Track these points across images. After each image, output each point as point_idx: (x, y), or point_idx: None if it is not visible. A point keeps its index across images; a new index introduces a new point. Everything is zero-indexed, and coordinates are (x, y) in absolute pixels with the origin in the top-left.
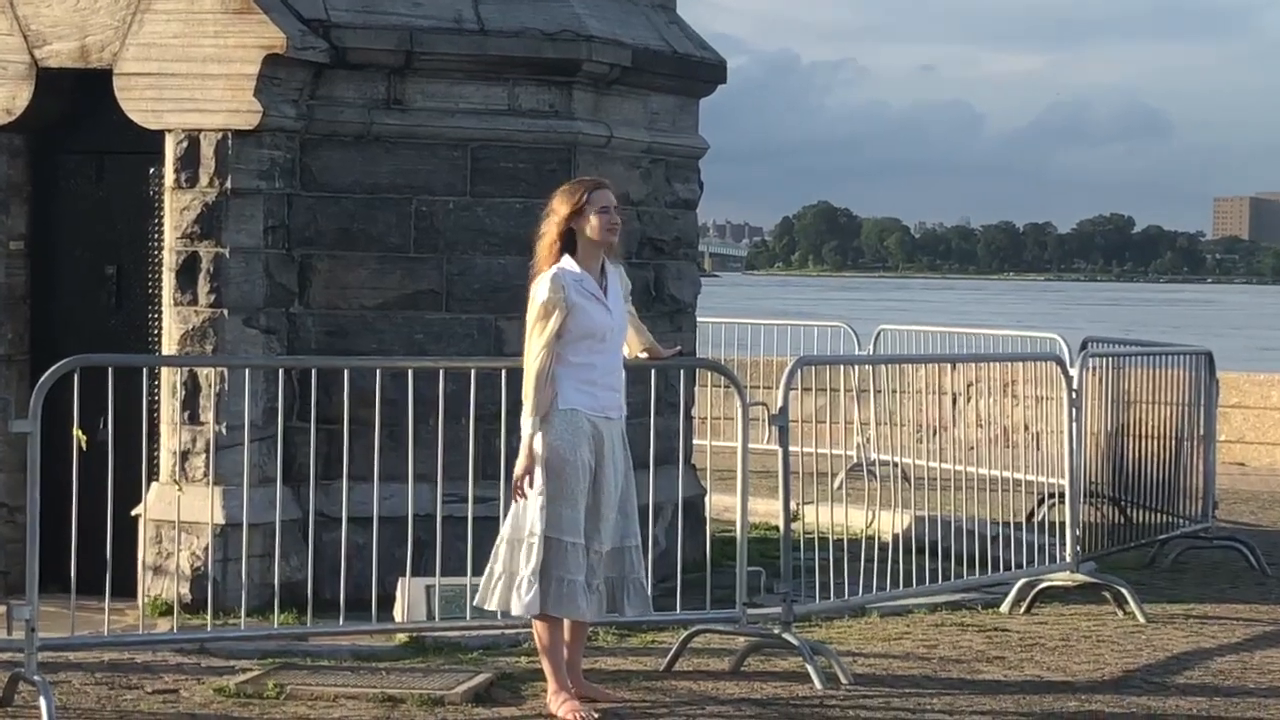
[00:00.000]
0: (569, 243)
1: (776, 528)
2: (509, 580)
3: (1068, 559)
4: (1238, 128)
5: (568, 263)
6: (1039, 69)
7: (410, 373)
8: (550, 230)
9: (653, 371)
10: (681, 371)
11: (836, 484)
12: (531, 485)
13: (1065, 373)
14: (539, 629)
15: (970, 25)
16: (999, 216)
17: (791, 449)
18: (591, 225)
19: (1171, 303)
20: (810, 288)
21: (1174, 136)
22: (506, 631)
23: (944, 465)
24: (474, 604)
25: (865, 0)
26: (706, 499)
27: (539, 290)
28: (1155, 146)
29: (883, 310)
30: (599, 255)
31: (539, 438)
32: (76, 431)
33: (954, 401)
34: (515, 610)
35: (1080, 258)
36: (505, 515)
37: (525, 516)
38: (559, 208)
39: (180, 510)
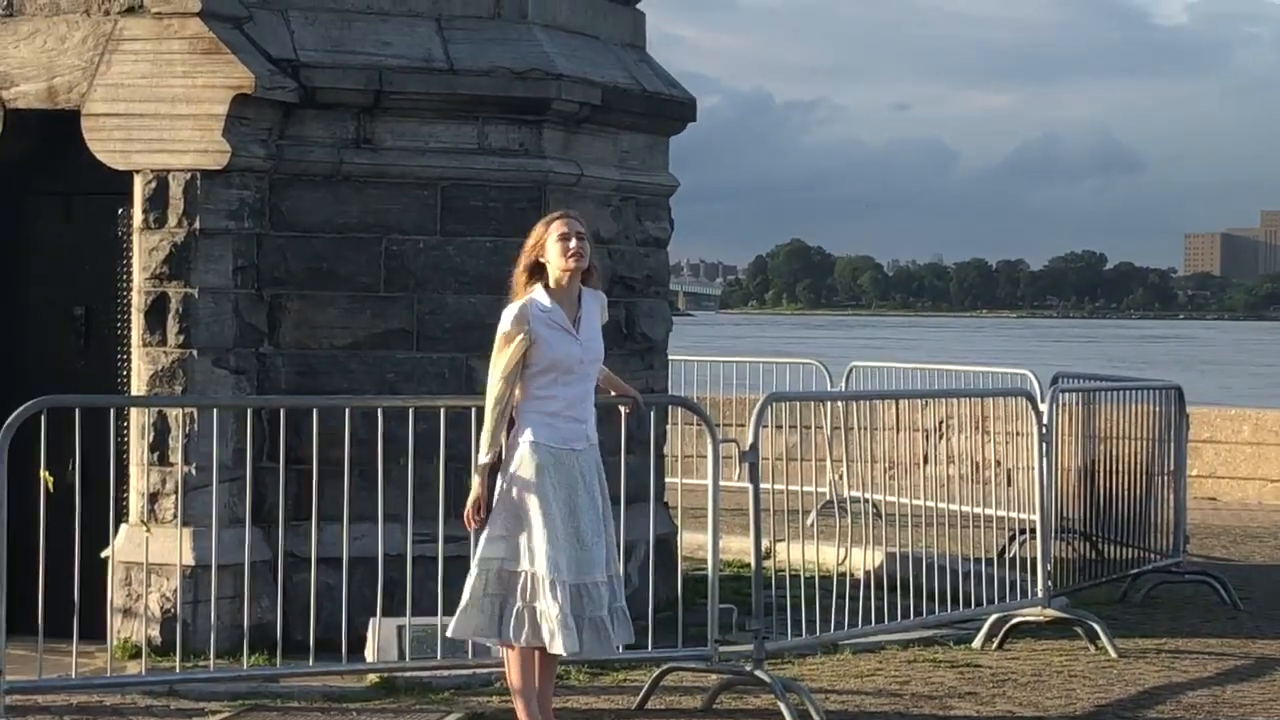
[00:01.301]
0: (539, 276)
1: (749, 565)
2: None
3: (1039, 594)
4: (1209, 164)
5: (538, 294)
6: (1011, 106)
7: (380, 412)
8: (520, 264)
9: (623, 410)
10: (653, 409)
11: (809, 521)
12: (481, 515)
13: (1035, 408)
14: (510, 661)
15: (943, 63)
16: (972, 254)
17: (763, 486)
18: (554, 254)
19: (1146, 339)
20: (783, 325)
21: (1145, 173)
22: (478, 671)
23: (916, 501)
24: (448, 636)
25: (839, 40)
26: (678, 537)
27: (501, 322)
28: (1127, 183)
29: (858, 348)
30: (571, 285)
31: (502, 470)
32: (43, 474)
33: (926, 438)
34: (461, 635)
35: (1053, 294)
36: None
37: (488, 547)
38: (527, 241)
39: (149, 552)
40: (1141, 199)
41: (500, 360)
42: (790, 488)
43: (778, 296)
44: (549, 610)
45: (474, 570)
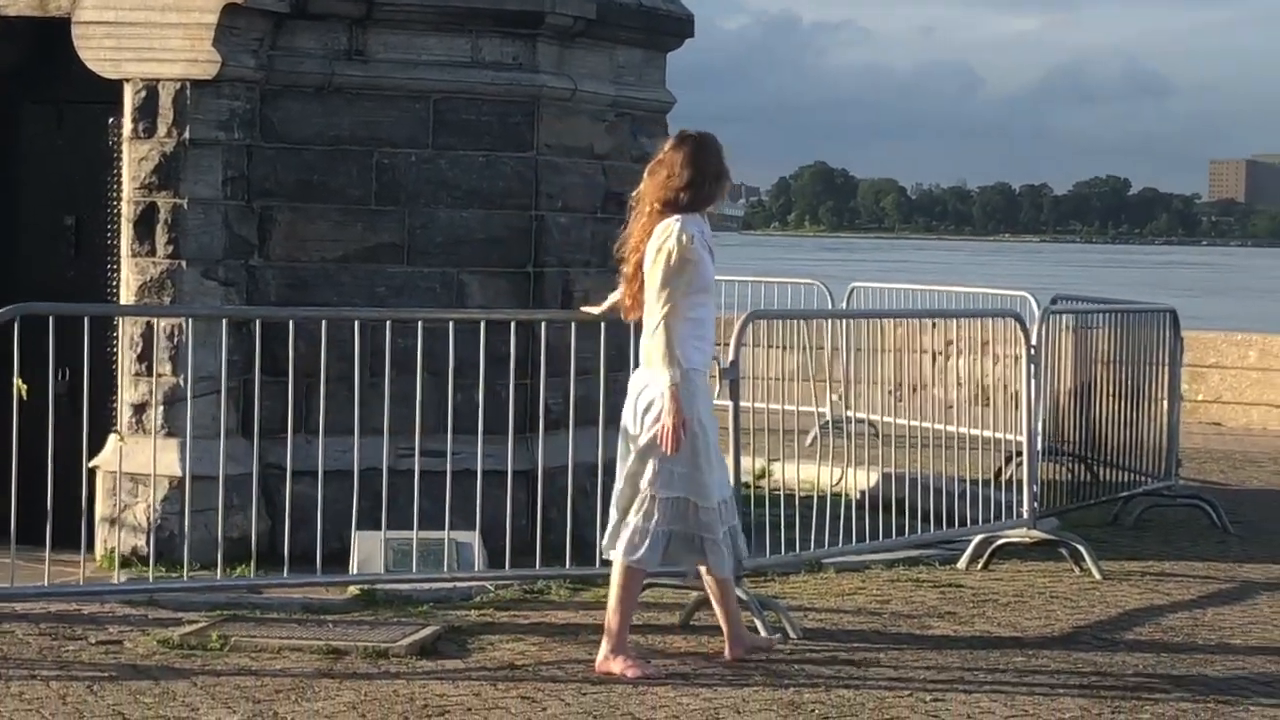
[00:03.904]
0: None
1: (745, 484)
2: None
3: (1025, 516)
4: (1236, 91)
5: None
6: (1038, 30)
7: (371, 326)
8: (674, 184)
9: (631, 328)
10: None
11: (808, 441)
12: (680, 440)
13: (1024, 330)
14: (625, 581)
15: None
16: (996, 178)
17: (766, 406)
18: None
19: (1172, 265)
20: (806, 248)
21: (1172, 99)
22: (459, 585)
23: (919, 423)
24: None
25: None
26: None
27: (671, 240)
28: (1153, 109)
29: (885, 270)
30: None
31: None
32: (17, 381)
33: (932, 360)
34: (631, 559)
35: (1076, 219)
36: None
37: (658, 470)
38: (676, 158)
39: (137, 463)
40: (1167, 125)
41: (680, 281)
42: (789, 408)
43: (800, 219)
44: (713, 535)
45: (656, 500)
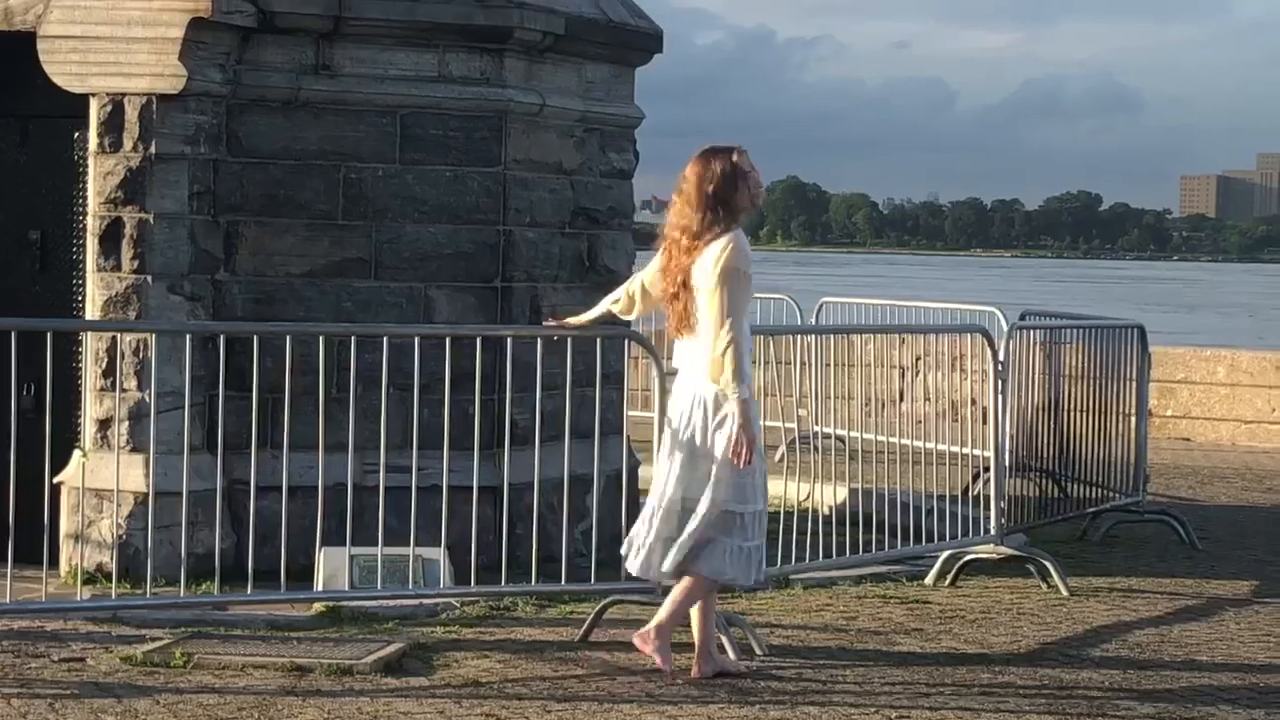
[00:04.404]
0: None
1: None
2: (667, 547)
3: (993, 531)
4: (1207, 106)
5: (741, 233)
6: (1012, 45)
7: (338, 341)
8: (711, 199)
9: (597, 342)
10: (624, 342)
11: (777, 456)
12: (750, 456)
13: (991, 345)
14: (695, 592)
15: (945, 1)
16: (967, 193)
17: None
18: (748, 191)
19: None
20: (778, 263)
21: (1144, 114)
22: (424, 602)
23: (889, 439)
24: (632, 572)
25: None
26: (638, 470)
27: (740, 258)
28: (1125, 124)
29: (856, 285)
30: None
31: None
32: None
33: (901, 375)
34: (721, 576)
35: (1048, 234)
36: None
37: (740, 484)
38: (714, 172)
39: (101, 478)
40: (1139, 140)
41: (744, 298)
42: (768, 423)
43: (772, 233)
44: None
45: (682, 505)
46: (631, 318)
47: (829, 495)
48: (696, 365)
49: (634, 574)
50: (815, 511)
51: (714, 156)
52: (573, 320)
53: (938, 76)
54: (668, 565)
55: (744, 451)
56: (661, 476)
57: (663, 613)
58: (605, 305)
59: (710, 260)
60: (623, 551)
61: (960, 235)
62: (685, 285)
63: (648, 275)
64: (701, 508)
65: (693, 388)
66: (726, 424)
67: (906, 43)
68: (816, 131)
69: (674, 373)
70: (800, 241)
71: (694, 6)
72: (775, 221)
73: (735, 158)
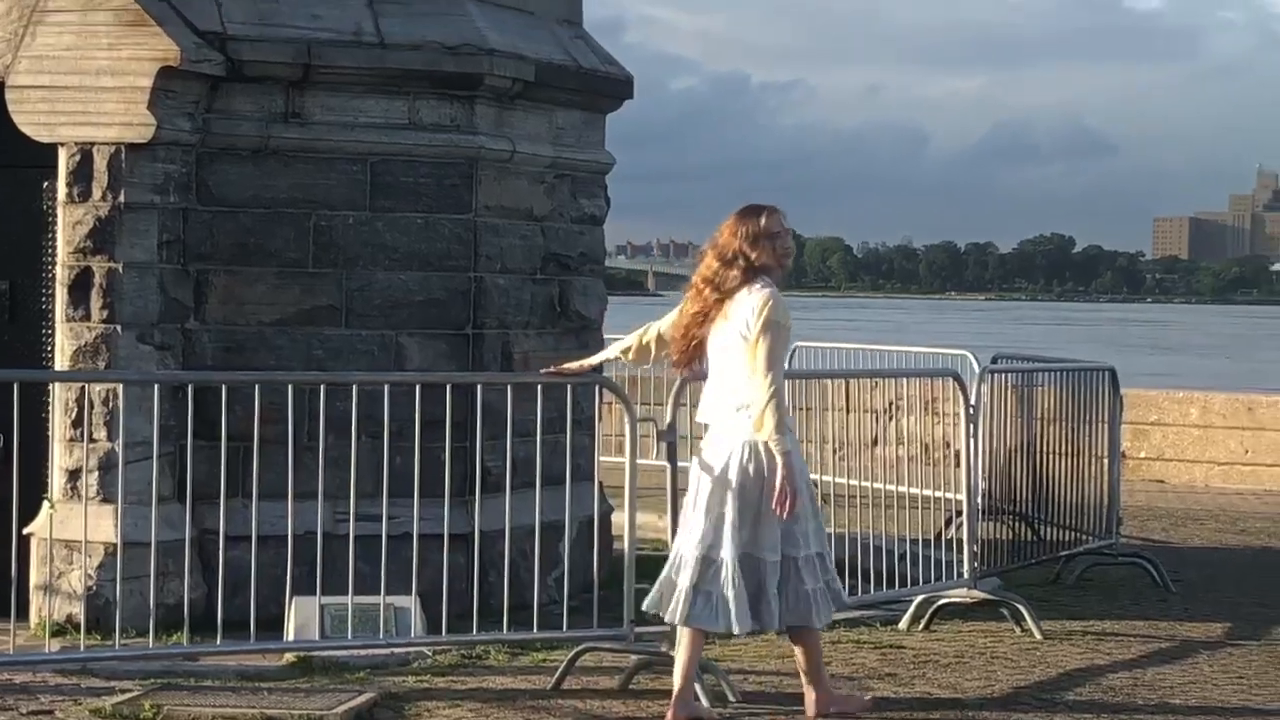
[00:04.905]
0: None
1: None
2: (728, 598)
3: (965, 575)
4: (1179, 149)
5: (775, 287)
6: (983, 89)
7: (308, 389)
8: (744, 258)
9: (568, 389)
10: (596, 388)
11: None
12: (795, 506)
13: (963, 389)
14: (694, 642)
15: (917, 46)
16: (941, 236)
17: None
18: (775, 250)
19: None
20: None
21: (1116, 157)
22: (396, 651)
23: (860, 482)
24: (673, 620)
25: (815, 22)
26: (611, 516)
27: (779, 312)
28: (1097, 167)
29: (830, 329)
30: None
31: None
32: None
33: (874, 419)
34: (773, 625)
35: (1021, 277)
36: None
37: (771, 531)
38: (749, 230)
39: (70, 529)
40: (1111, 183)
41: (784, 352)
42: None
43: None
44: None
45: (722, 555)
46: (643, 365)
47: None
48: (729, 416)
49: (669, 621)
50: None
51: (747, 215)
52: (572, 365)
53: (910, 120)
54: (737, 620)
55: (788, 502)
56: (699, 526)
57: (805, 670)
58: (613, 351)
59: (750, 312)
60: (651, 604)
61: (935, 278)
62: (702, 329)
63: (665, 323)
64: (771, 557)
65: (728, 438)
66: (770, 475)
67: (879, 87)
68: (790, 175)
69: (645, 420)
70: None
71: (669, 52)
72: None
73: (765, 219)
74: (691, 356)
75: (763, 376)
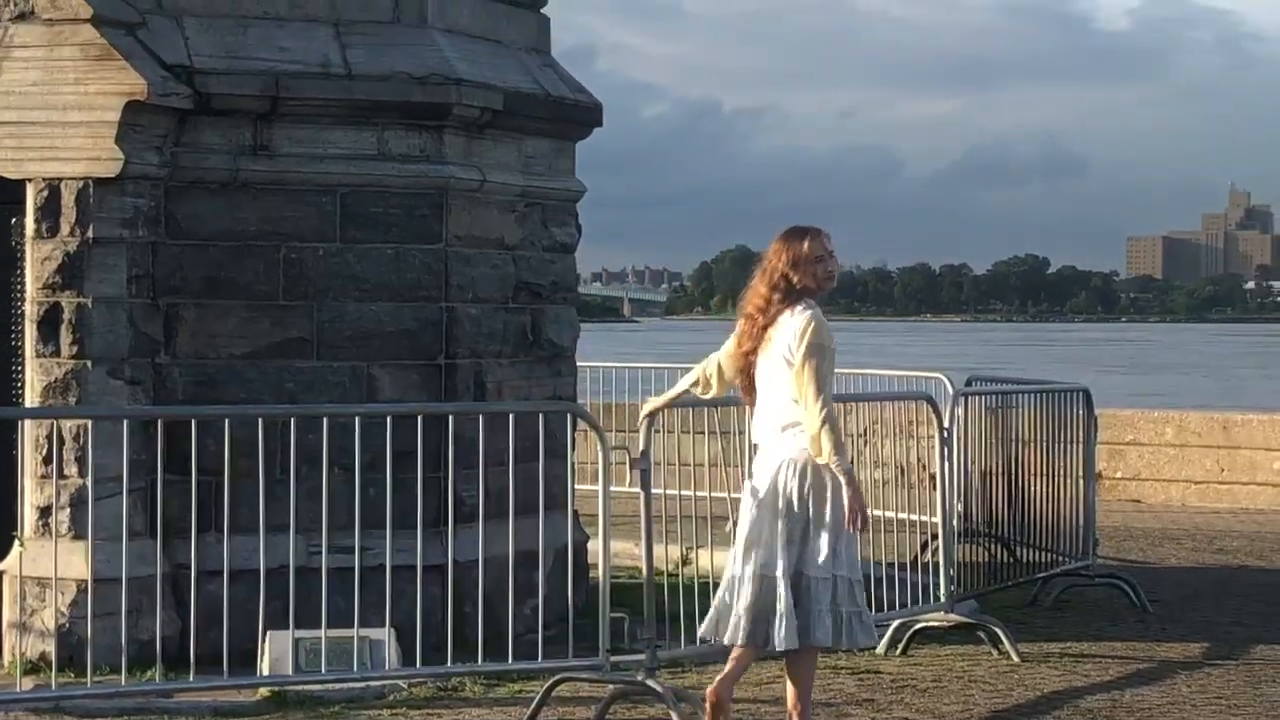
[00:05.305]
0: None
1: (670, 572)
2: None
3: (942, 599)
4: (1151, 168)
5: (818, 309)
6: (956, 112)
7: (280, 423)
8: (786, 280)
9: (540, 418)
10: (568, 417)
11: (728, 527)
12: (864, 525)
13: (936, 412)
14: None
15: (889, 70)
16: (916, 259)
17: (688, 493)
18: (817, 272)
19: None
20: (723, 332)
21: (1089, 177)
22: (371, 684)
23: None
24: (731, 642)
25: (787, 47)
26: (587, 545)
27: (823, 334)
28: (1071, 187)
29: None
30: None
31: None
32: None
33: (852, 443)
34: (830, 643)
35: (996, 298)
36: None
37: (819, 550)
38: (792, 254)
39: (42, 567)
40: (1084, 203)
41: (830, 372)
42: (717, 494)
43: (723, 303)
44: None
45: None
46: (711, 396)
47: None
48: (775, 436)
49: (727, 643)
50: None
51: (792, 238)
52: (654, 402)
53: (883, 144)
54: (785, 637)
55: (859, 520)
56: (754, 547)
57: (796, 695)
58: (684, 385)
59: (794, 335)
60: (708, 630)
61: (910, 301)
62: (755, 355)
63: (724, 354)
64: (819, 574)
65: (774, 458)
66: (828, 493)
67: (852, 111)
68: (764, 201)
69: (618, 448)
70: None
71: (640, 80)
72: (725, 291)
73: (808, 243)
74: (753, 385)
75: (813, 400)
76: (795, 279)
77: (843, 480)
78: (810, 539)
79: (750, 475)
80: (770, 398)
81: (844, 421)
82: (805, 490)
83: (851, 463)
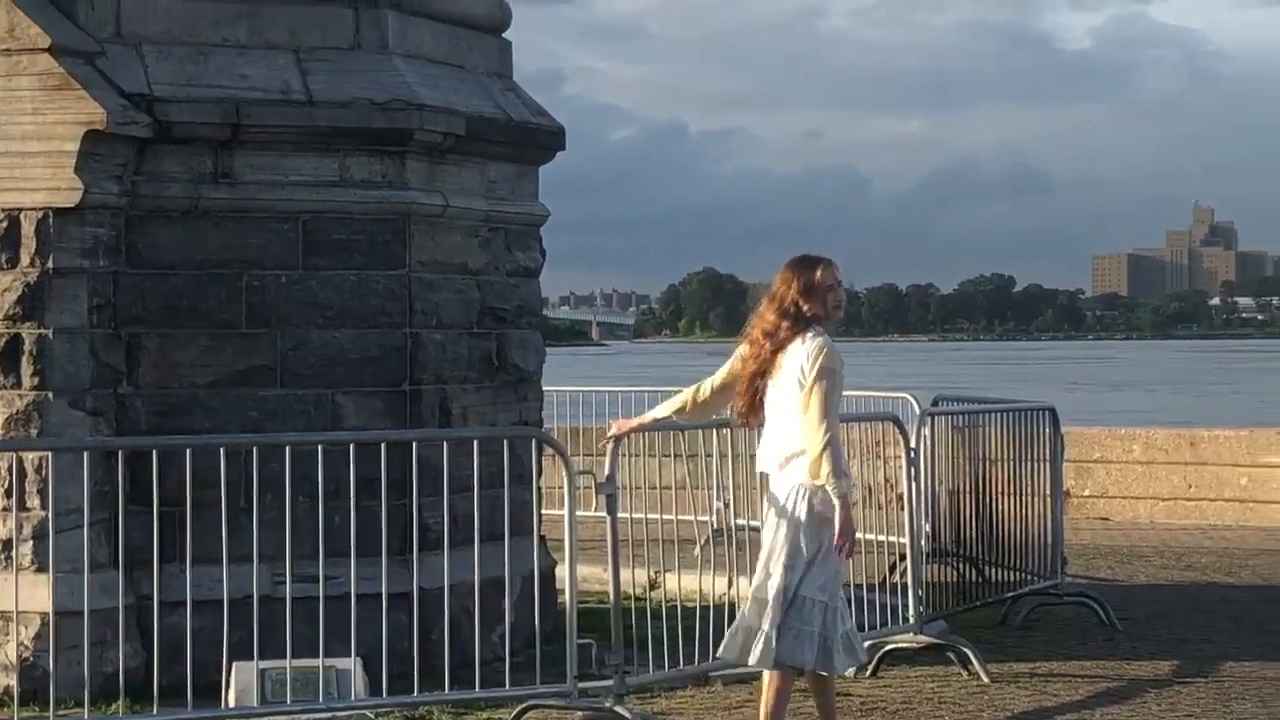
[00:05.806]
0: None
1: (638, 597)
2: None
3: (911, 620)
4: (1116, 186)
5: (827, 335)
6: (922, 132)
7: (244, 451)
8: (794, 308)
9: (505, 443)
10: (534, 442)
11: (696, 550)
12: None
13: (902, 432)
14: (783, 685)
15: (855, 91)
16: (883, 279)
17: (655, 516)
18: (827, 301)
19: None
20: (697, 354)
21: (1054, 196)
22: (337, 714)
23: None
24: (757, 665)
25: (752, 69)
26: (554, 570)
27: (833, 359)
28: (1036, 206)
29: None
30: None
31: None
32: None
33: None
34: (817, 665)
35: (962, 317)
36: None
37: (820, 573)
38: (801, 282)
39: (4, 599)
40: (1050, 221)
41: (837, 398)
42: (683, 518)
43: (690, 325)
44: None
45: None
46: (687, 420)
47: (748, 589)
48: (785, 463)
49: (753, 665)
50: (735, 606)
51: (803, 266)
52: (625, 424)
53: (850, 164)
54: (758, 655)
55: (846, 545)
56: (774, 569)
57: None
58: (664, 412)
59: (806, 358)
60: (729, 652)
61: (877, 321)
62: (764, 381)
63: (718, 378)
64: (814, 595)
65: (786, 483)
66: (827, 519)
67: (818, 132)
68: (731, 222)
69: (584, 472)
70: (718, 332)
71: (606, 103)
72: (693, 313)
73: (819, 272)
74: (757, 408)
75: (818, 423)
76: (806, 307)
77: (836, 504)
78: (816, 563)
79: (767, 502)
80: (780, 423)
81: None
82: (809, 515)
83: (850, 488)
